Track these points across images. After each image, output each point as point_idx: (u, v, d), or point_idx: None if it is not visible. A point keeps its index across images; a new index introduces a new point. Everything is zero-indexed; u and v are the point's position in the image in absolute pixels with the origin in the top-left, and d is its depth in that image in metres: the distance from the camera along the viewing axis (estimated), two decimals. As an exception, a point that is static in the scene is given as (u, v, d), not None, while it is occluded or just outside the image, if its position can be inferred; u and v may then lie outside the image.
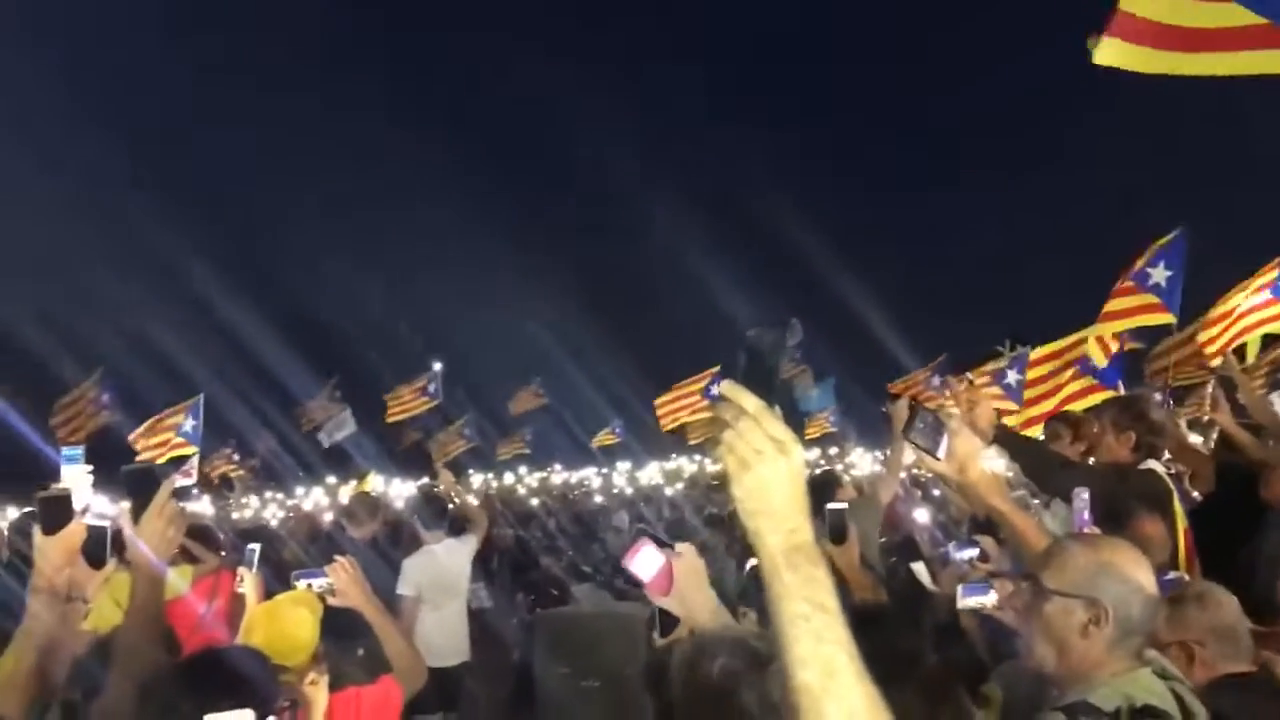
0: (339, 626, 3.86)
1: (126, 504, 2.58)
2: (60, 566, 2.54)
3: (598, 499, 19.39)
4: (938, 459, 2.71)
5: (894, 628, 3.18)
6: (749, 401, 1.38)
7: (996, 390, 9.21)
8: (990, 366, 9.93)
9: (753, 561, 3.45)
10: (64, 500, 2.48)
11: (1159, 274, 7.75)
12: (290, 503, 20.55)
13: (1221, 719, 2.26)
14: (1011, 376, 9.49)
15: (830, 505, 3.84)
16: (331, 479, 22.35)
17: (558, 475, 28.27)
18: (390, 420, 20.64)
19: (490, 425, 25.88)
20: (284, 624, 3.37)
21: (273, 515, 16.32)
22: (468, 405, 24.14)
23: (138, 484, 2.47)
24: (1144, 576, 2.26)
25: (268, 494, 22.11)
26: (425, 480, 24.26)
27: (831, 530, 3.73)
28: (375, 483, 18.52)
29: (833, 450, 21.22)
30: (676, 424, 14.45)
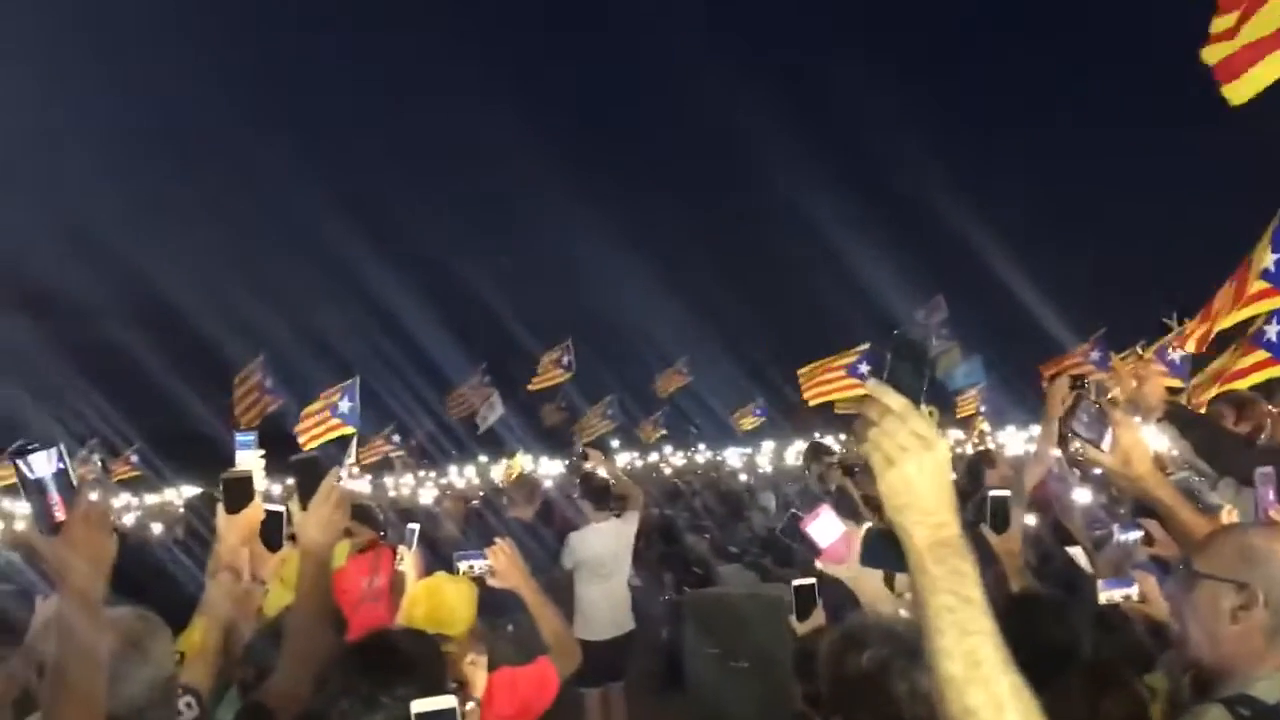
0: (489, 604, 3.99)
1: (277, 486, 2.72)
2: (237, 546, 2.70)
3: (742, 478, 19.36)
4: (1101, 450, 2.62)
5: (1051, 616, 3.09)
6: (894, 400, 1.42)
7: (1161, 367, 8.75)
8: (1158, 342, 9.46)
9: None
10: (246, 482, 2.63)
11: (1268, 259, 7.34)
12: (443, 481, 21.20)
13: None
14: (1175, 352, 9.02)
15: (993, 492, 3.74)
16: (483, 458, 22.95)
17: (701, 455, 28.32)
18: (532, 389, 20.97)
19: (635, 405, 26.06)
20: (445, 596, 3.60)
21: (428, 494, 16.85)
22: (612, 385, 24.39)
23: (305, 472, 2.57)
24: None
25: (422, 473, 22.82)
26: (572, 460, 24.66)
27: (994, 517, 3.63)
28: (524, 461, 18.93)
29: (983, 428, 20.58)
30: (821, 400, 14.20)
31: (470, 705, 2.18)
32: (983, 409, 19.25)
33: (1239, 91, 4.87)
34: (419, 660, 2.23)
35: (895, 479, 1.41)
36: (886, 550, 1.63)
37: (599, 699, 7.44)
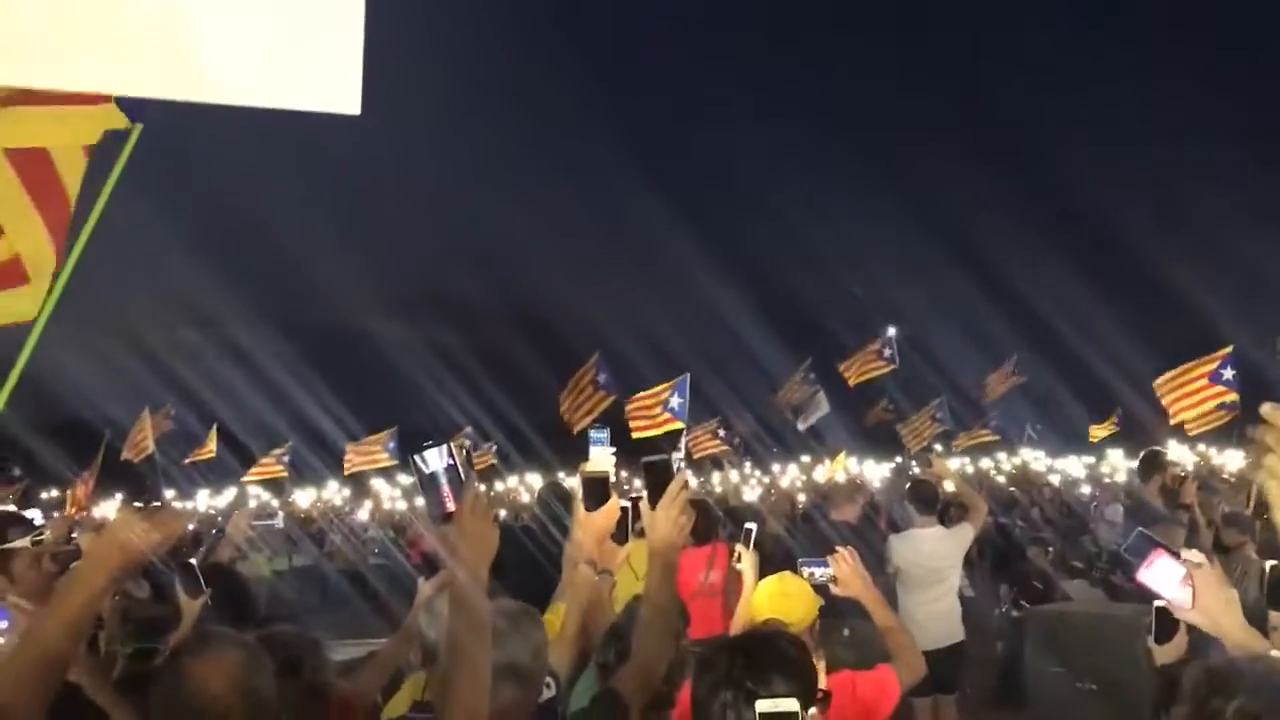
0: (825, 608, 3.97)
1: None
2: (592, 541, 2.85)
3: (1084, 489, 18.05)
4: None
5: None
6: None
7: None
8: None
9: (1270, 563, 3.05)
10: (604, 481, 2.75)
11: None
12: (766, 479, 21.35)
13: None
14: None
15: None
16: (805, 457, 22.92)
17: (1040, 462, 26.68)
18: (852, 383, 20.10)
19: (961, 407, 25.03)
20: (789, 586, 3.84)
21: (751, 492, 17.04)
22: (940, 386, 23.58)
23: (655, 473, 2.65)
24: None
25: (746, 470, 23.10)
26: (899, 461, 24.09)
27: None
28: (849, 463, 18.62)
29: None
30: (1183, 415, 12.79)
31: (812, 711, 2.19)
32: None
33: None
34: (798, 663, 2.27)
35: None
36: None
37: (930, 709, 7.22)
